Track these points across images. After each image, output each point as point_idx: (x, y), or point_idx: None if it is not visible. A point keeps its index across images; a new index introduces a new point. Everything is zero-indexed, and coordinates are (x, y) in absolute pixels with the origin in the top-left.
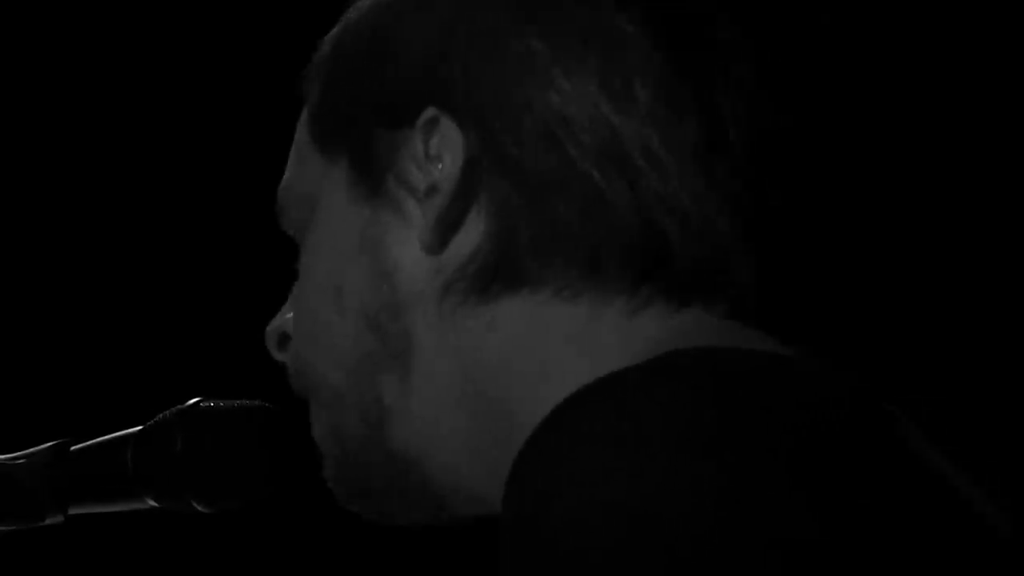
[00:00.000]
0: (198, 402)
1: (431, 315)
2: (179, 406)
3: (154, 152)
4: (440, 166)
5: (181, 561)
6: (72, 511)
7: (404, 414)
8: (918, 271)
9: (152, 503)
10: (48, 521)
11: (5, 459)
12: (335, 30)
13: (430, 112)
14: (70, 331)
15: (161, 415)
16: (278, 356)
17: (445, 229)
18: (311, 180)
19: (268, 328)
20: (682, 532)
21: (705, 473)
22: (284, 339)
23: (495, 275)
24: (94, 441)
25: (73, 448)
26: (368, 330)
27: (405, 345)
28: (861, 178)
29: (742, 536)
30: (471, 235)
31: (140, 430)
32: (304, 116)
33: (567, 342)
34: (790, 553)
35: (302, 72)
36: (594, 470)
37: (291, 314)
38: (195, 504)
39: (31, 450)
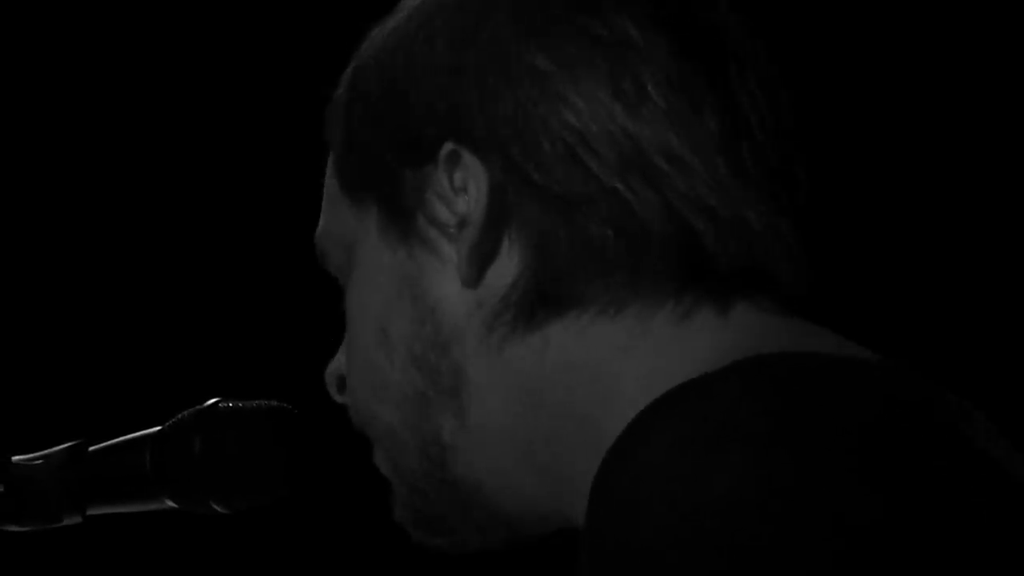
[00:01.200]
0: (216, 403)
1: (479, 348)
2: (197, 407)
3: (172, 157)
4: (466, 199)
5: (194, 561)
6: (90, 512)
7: (464, 449)
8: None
9: (170, 504)
10: (66, 522)
11: (23, 460)
12: (349, 70)
13: (449, 146)
14: (87, 332)
15: (179, 416)
16: (339, 398)
17: (480, 261)
18: (345, 225)
19: (327, 371)
20: (760, 536)
21: (782, 477)
22: (344, 381)
23: (538, 301)
24: (112, 442)
25: (91, 449)
26: (417, 370)
27: (457, 381)
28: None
29: (819, 544)
30: (508, 264)
31: (158, 431)
32: (330, 163)
33: (618, 357)
34: (864, 556)
35: (324, 117)
36: (672, 477)
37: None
38: (214, 505)
39: (49, 451)
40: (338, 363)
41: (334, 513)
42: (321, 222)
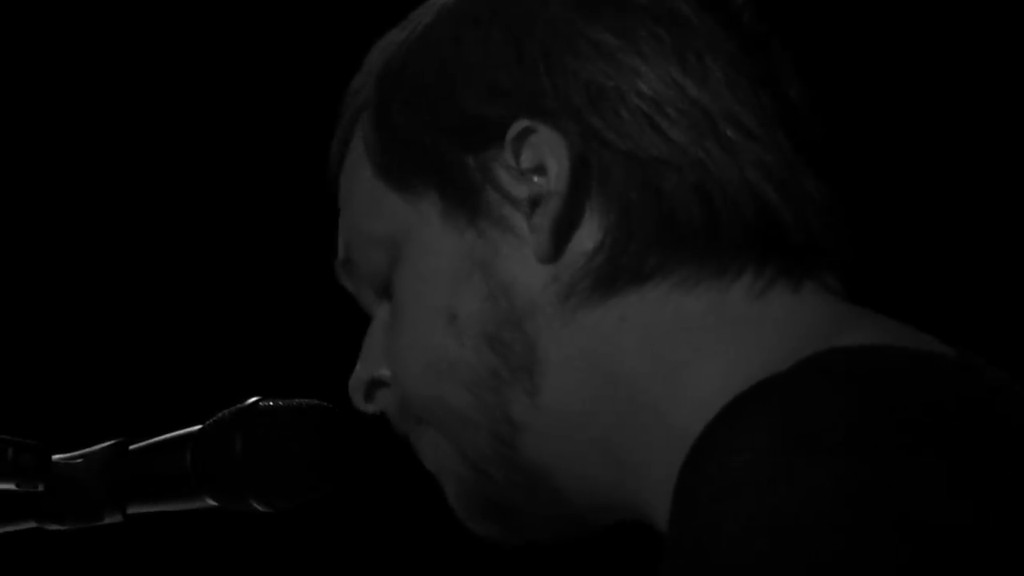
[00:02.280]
0: (256, 401)
1: (553, 322)
2: (237, 405)
3: (203, 164)
4: (543, 174)
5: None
6: (130, 510)
7: (534, 429)
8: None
9: (211, 502)
10: (106, 520)
11: (64, 458)
12: (376, 66)
13: (521, 123)
14: (122, 332)
15: (219, 414)
16: (367, 408)
17: (562, 234)
18: (390, 221)
19: (352, 382)
20: (846, 555)
21: (868, 493)
22: (372, 388)
23: (620, 269)
24: (152, 440)
25: (131, 447)
26: (490, 348)
27: (530, 358)
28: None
29: (907, 564)
30: (588, 234)
31: (199, 429)
32: (357, 164)
33: (695, 331)
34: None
35: (340, 113)
36: (758, 490)
37: (371, 362)
38: (254, 503)
39: (89, 449)
40: (365, 372)
41: (369, 511)
42: (352, 228)
